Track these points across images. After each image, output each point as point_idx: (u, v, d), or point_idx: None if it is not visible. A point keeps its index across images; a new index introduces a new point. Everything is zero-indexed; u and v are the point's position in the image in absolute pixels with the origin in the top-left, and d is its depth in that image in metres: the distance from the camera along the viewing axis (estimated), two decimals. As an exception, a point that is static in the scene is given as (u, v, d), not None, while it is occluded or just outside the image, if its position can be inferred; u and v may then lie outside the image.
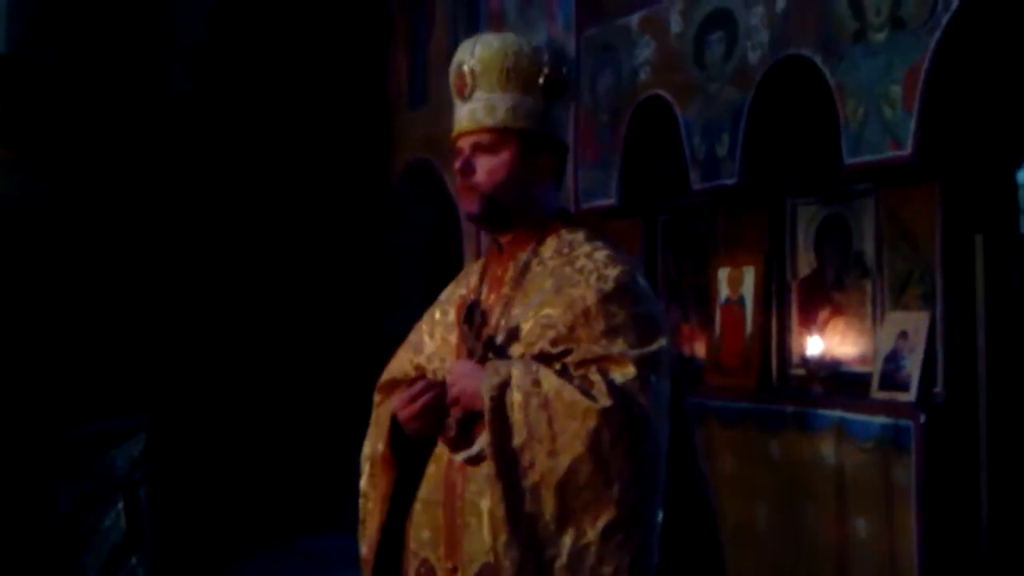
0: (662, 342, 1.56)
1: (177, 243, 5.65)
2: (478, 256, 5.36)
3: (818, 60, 3.36)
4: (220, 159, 5.83)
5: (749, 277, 3.86)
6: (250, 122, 5.93)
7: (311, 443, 5.99)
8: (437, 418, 1.61)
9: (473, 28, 5.40)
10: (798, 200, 3.80)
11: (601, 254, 1.63)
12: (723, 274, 3.97)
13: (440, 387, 1.61)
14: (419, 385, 1.63)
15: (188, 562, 4.90)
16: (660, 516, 1.50)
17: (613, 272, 1.59)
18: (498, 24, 5.14)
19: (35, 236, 4.95)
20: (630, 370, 1.50)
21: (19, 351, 4.55)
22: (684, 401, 1.67)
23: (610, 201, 4.31)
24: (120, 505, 3.99)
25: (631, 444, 1.46)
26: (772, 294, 3.82)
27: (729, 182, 3.74)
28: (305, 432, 5.99)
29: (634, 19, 4.22)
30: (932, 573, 3.04)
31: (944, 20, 2.97)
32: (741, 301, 3.88)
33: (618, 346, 1.52)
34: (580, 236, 1.67)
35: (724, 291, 3.96)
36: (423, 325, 1.82)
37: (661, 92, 4.05)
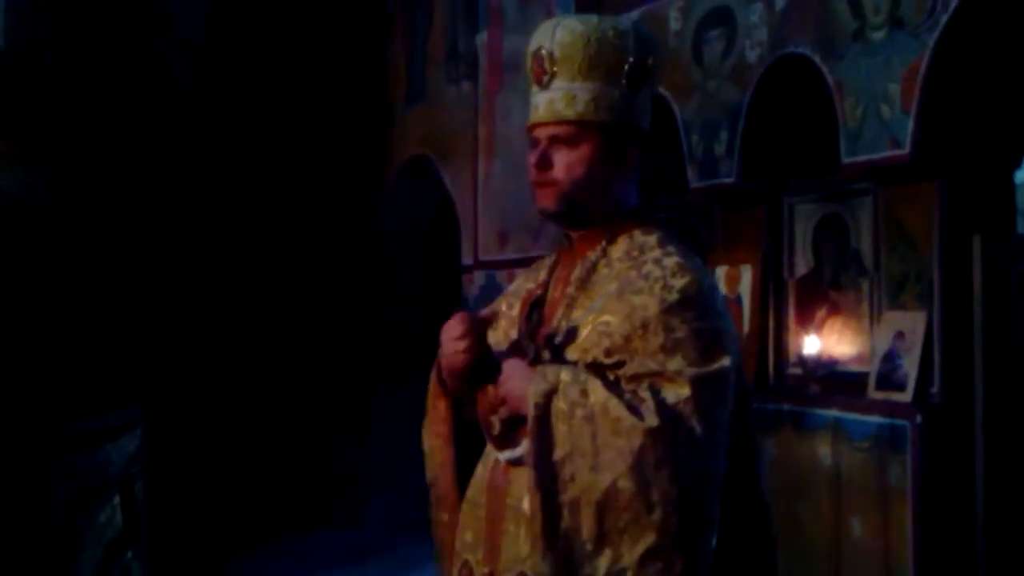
0: (725, 362, 1.45)
1: (174, 239, 5.64)
2: (475, 253, 5.36)
3: (817, 59, 3.36)
4: (218, 156, 5.82)
5: (746, 276, 3.86)
6: (248, 118, 5.92)
7: (307, 440, 5.99)
8: (473, 357, 1.54)
9: (472, 25, 5.39)
10: (796, 199, 3.80)
11: (671, 260, 1.51)
12: (720, 272, 3.97)
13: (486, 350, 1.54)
14: (467, 323, 1.55)
15: (184, 558, 4.90)
16: (712, 544, 1.43)
17: (680, 282, 1.48)
18: (498, 21, 5.13)
19: (32, 231, 4.93)
20: (684, 390, 1.41)
21: (14, 347, 4.54)
22: (750, 423, 1.58)
23: (608, 199, 4.30)
24: (115, 501, 3.98)
25: (676, 468, 1.38)
26: (769, 293, 3.82)
27: (727, 180, 3.73)
28: (301, 429, 5.99)
29: (633, 16, 4.21)
30: (927, 573, 3.04)
31: (943, 20, 2.96)
32: (738, 300, 3.88)
33: (675, 363, 1.43)
34: (653, 239, 1.57)
35: (721, 289, 3.96)
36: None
37: (660, 90, 4.04)
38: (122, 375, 5.03)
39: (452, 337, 1.56)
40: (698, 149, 3.85)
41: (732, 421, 1.49)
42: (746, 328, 3.83)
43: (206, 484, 5.43)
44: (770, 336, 3.79)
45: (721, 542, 1.45)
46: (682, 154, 3.92)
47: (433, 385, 1.68)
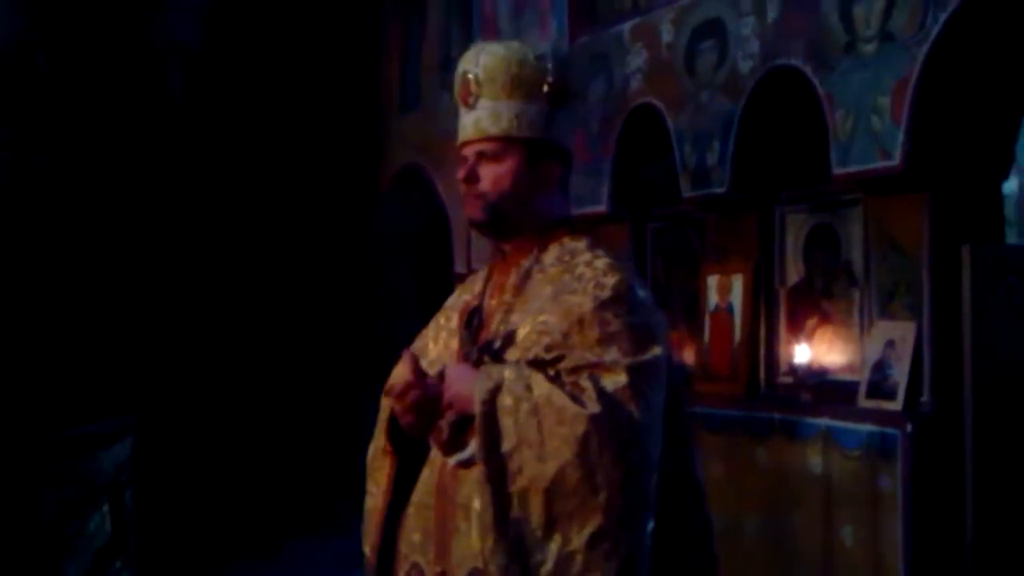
0: (657, 352, 1.55)
1: (167, 246, 5.63)
2: (468, 261, 5.37)
3: (808, 71, 3.39)
4: (212, 163, 5.82)
5: (738, 285, 3.88)
6: (242, 126, 5.93)
7: (299, 446, 5.98)
8: (429, 414, 1.62)
9: (467, 34, 5.41)
10: (787, 209, 3.82)
11: (601, 262, 1.62)
12: (712, 281, 3.99)
13: (431, 385, 1.61)
14: (410, 379, 1.62)
15: (173, 565, 4.88)
16: (650, 527, 1.49)
17: (611, 280, 1.58)
18: (492, 31, 5.15)
19: (23, 237, 4.92)
20: (622, 378, 1.50)
21: (6, 353, 4.53)
22: (683, 412, 1.65)
23: (601, 208, 4.32)
24: (105, 508, 3.96)
25: (619, 451, 1.46)
26: (760, 302, 3.84)
27: (719, 190, 3.76)
28: (293, 435, 5.98)
29: (626, 27, 4.24)
30: (917, 581, 3.06)
31: (933, 33, 3.00)
32: (730, 309, 3.90)
33: (611, 354, 1.52)
34: (582, 245, 1.67)
35: (713, 298, 3.98)
36: (428, 331, 1.82)
37: (652, 100, 4.07)
38: (114, 382, 5.01)
39: (407, 405, 1.61)
40: (690, 159, 3.87)
41: (666, 408, 1.57)
42: (737, 337, 3.85)
43: (198, 492, 5.41)
44: (761, 345, 3.81)
45: (659, 525, 1.51)
46: (674, 164, 3.95)
47: (382, 439, 1.73)
